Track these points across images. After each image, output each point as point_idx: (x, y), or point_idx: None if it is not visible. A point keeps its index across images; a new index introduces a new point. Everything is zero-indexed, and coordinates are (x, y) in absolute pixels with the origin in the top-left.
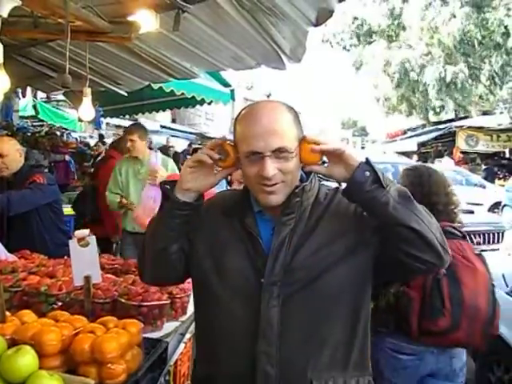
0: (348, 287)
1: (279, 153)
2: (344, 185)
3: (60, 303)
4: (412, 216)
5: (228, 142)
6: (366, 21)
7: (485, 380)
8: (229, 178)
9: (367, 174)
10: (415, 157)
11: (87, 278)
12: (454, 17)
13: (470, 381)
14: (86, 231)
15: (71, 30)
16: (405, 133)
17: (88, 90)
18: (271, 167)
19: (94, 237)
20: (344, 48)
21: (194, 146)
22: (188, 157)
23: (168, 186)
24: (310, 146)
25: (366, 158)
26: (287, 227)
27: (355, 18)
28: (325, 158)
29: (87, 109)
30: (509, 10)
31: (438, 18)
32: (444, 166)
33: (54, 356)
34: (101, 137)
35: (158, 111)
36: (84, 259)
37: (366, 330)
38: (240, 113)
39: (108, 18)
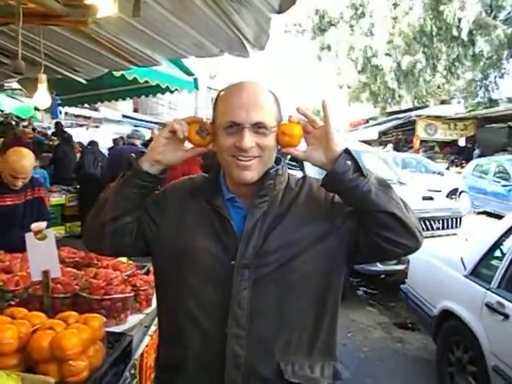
0: (317, 272)
1: (258, 128)
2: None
3: (17, 299)
4: (392, 202)
5: (208, 121)
6: (327, 13)
7: (445, 360)
8: None
9: (348, 163)
10: (390, 145)
11: (46, 273)
12: (412, 8)
13: (430, 361)
14: (44, 224)
15: (23, 13)
16: (367, 122)
17: (43, 77)
18: (249, 139)
19: (51, 230)
20: (306, 37)
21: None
22: None
23: (133, 155)
24: (289, 128)
25: (346, 148)
26: (260, 210)
27: (317, 11)
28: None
29: (42, 97)
30: (463, 2)
31: (398, 8)
32: (404, 154)
33: (11, 355)
34: (59, 125)
35: (118, 100)
36: (42, 253)
37: (333, 315)
38: (223, 88)
39: (63, 1)
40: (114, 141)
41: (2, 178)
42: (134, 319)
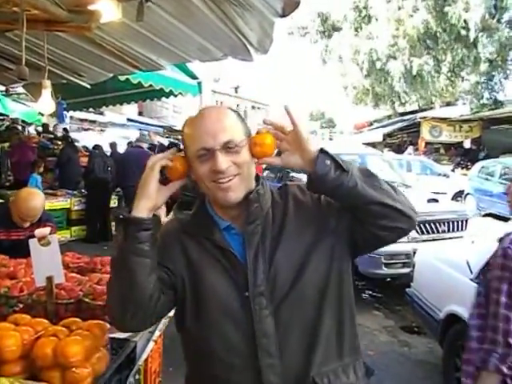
0: (327, 274)
1: (228, 147)
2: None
3: (21, 305)
4: (379, 190)
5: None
6: (330, 16)
7: (451, 364)
8: None
9: (328, 162)
10: (385, 150)
11: (49, 279)
12: (418, 9)
13: (437, 365)
14: (47, 230)
15: (28, 19)
16: (371, 124)
17: (47, 83)
18: (223, 160)
19: (55, 236)
20: (310, 40)
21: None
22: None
23: (120, 214)
24: (259, 138)
25: (321, 148)
26: (256, 235)
27: (320, 14)
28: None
29: (46, 102)
30: (467, 4)
31: (402, 10)
32: (409, 157)
33: (14, 362)
34: (64, 131)
35: (123, 103)
36: (45, 259)
37: (352, 314)
38: (186, 121)
39: (67, 7)
40: (112, 145)
41: (11, 213)
42: None
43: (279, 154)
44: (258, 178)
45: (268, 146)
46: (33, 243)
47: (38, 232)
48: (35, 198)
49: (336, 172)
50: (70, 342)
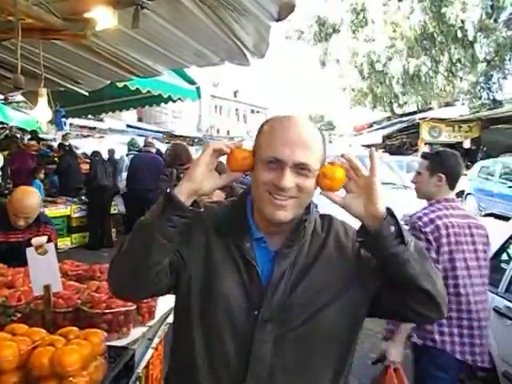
0: (342, 326)
1: (301, 168)
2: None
3: (19, 315)
4: (426, 276)
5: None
6: (327, 19)
7: None
8: None
9: (392, 228)
10: (380, 150)
11: (47, 288)
12: (414, 10)
13: None
14: (44, 238)
15: (23, 27)
16: (371, 126)
17: (43, 91)
18: (289, 179)
19: (52, 244)
20: (308, 43)
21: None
22: None
23: (167, 189)
24: (331, 171)
25: (389, 209)
26: (288, 260)
27: (318, 17)
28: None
29: (43, 110)
30: (464, 4)
31: (399, 12)
32: (409, 157)
33: (10, 372)
34: (65, 137)
35: (122, 110)
36: (43, 268)
37: (351, 362)
38: (271, 118)
39: (63, 15)
40: (110, 152)
41: (9, 214)
42: (136, 332)
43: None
44: (310, 203)
45: (337, 180)
46: (30, 252)
47: (35, 241)
48: (30, 196)
49: (395, 240)
50: (66, 352)
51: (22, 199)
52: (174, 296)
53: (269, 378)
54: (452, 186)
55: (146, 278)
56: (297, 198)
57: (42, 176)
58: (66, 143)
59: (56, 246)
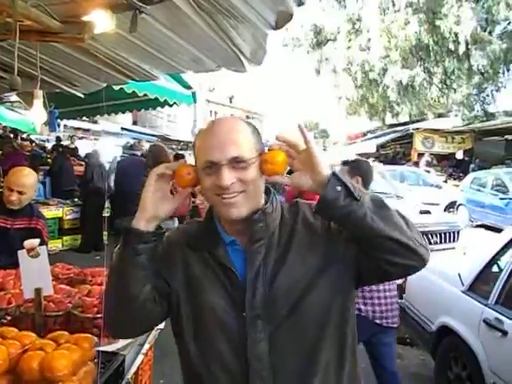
0: (330, 304)
1: (236, 162)
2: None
3: (9, 317)
4: (391, 224)
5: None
6: (324, 28)
7: (443, 377)
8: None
9: (338, 188)
10: (371, 159)
11: (38, 291)
12: (409, 22)
13: (429, 378)
14: (36, 241)
15: (21, 29)
16: (365, 135)
17: (39, 93)
18: (228, 176)
19: (44, 247)
20: (305, 51)
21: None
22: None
23: (123, 223)
24: (271, 155)
25: (333, 172)
26: (259, 255)
27: (314, 26)
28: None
29: (38, 112)
30: (458, 17)
31: (394, 23)
32: (402, 167)
33: (0, 376)
34: (57, 139)
35: (117, 113)
36: (34, 271)
37: (353, 344)
38: (199, 130)
39: (61, 18)
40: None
41: (2, 198)
42: None
43: (289, 172)
44: (268, 192)
45: (279, 164)
46: (22, 254)
47: (27, 243)
48: (29, 173)
49: (346, 199)
50: (56, 356)
51: (19, 172)
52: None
53: (272, 375)
54: (366, 187)
55: (132, 311)
56: (244, 191)
57: (41, 178)
58: (72, 146)
59: (46, 243)
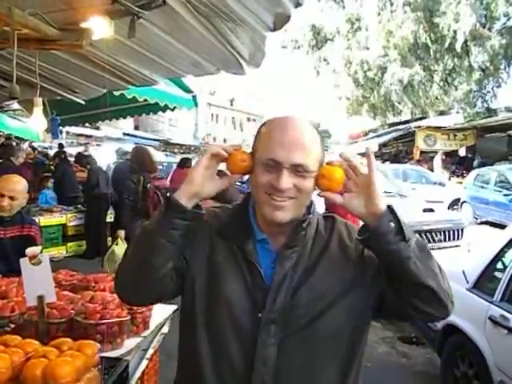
0: (346, 327)
1: (298, 170)
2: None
3: (13, 325)
4: (430, 273)
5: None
6: (323, 28)
7: (450, 375)
8: None
9: (392, 224)
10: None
11: (40, 298)
12: (406, 20)
13: (436, 376)
14: (38, 249)
15: (19, 37)
16: (367, 134)
17: (39, 100)
18: (286, 180)
19: (46, 255)
20: (304, 52)
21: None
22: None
23: (167, 193)
24: (329, 171)
25: (389, 205)
26: (290, 261)
27: (313, 26)
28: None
29: (38, 119)
30: (457, 14)
31: (392, 22)
32: (405, 166)
33: None
34: (60, 146)
35: (118, 118)
36: (37, 278)
37: (360, 364)
38: (268, 120)
39: (59, 25)
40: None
41: None
42: (131, 343)
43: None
44: (310, 204)
45: (336, 181)
46: (24, 262)
47: (29, 251)
48: (20, 180)
49: (396, 237)
50: (59, 363)
51: (9, 178)
52: (171, 305)
53: (274, 379)
54: None
55: (149, 280)
56: (295, 198)
57: (49, 185)
58: (87, 153)
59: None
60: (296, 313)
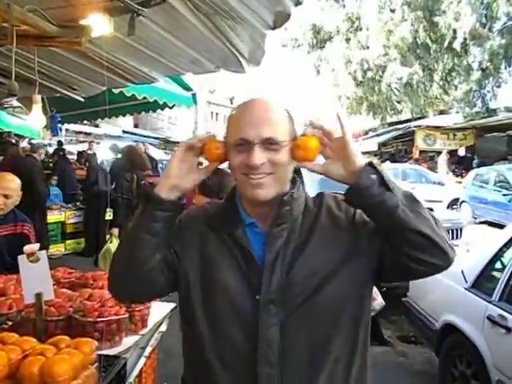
0: (347, 297)
1: (269, 144)
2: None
3: (10, 323)
4: (422, 220)
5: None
6: (323, 27)
7: (448, 374)
8: None
9: (373, 176)
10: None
11: (38, 296)
12: (406, 20)
13: (434, 375)
14: (36, 246)
15: (18, 34)
16: (366, 133)
17: (38, 98)
18: (259, 156)
19: (44, 252)
20: (304, 51)
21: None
22: None
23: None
24: (303, 141)
25: (370, 162)
26: (280, 239)
27: (313, 25)
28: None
29: (37, 116)
30: (457, 14)
31: (392, 21)
32: (404, 165)
33: (0, 382)
34: (59, 143)
35: (118, 116)
36: (35, 275)
37: (365, 341)
38: (234, 108)
39: (58, 22)
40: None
41: None
42: (129, 341)
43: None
44: (294, 180)
45: (311, 150)
46: (22, 260)
47: (27, 248)
48: (14, 178)
49: (379, 188)
50: (57, 361)
51: (3, 176)
52: (169, 304)
53: (280, 359)
54: None
55: (138, 275)
56: (273, 174)
57: (53, 182)
58: (91, 152)
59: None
60: (293, 290)
